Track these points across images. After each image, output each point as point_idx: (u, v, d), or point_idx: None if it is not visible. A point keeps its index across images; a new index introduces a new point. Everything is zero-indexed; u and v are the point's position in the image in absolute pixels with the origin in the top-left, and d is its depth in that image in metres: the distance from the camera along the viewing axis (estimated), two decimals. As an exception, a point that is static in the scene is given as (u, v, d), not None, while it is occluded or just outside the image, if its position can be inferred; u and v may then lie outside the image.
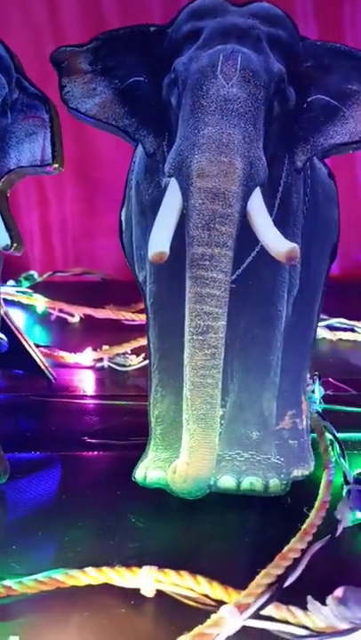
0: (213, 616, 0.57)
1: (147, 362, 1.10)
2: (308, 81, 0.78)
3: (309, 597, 0.58)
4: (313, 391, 0.92)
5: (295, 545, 0.65)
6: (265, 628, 0.58)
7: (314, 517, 0.69)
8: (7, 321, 1.05)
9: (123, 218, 0.81)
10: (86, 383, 1.14)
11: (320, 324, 1.19)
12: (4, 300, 1.47)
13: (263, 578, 0.61)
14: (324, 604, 0.58)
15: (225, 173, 0.76)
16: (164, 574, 0.62)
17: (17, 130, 0.84)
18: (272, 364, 0.78)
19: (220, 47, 0.77)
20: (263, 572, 0.62)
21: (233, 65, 0.77)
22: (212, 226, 0.76)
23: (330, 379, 1.04)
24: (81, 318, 1.40)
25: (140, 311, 1.38)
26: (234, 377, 0.78)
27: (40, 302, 1.41)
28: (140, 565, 0.64)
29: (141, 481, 0.78)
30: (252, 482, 0.77)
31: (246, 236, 0.77)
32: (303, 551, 0.65)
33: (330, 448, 0.82)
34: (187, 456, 0.76)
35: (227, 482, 0.77)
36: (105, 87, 0.80)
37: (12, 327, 1.05)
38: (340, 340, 1.33)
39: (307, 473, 0.77)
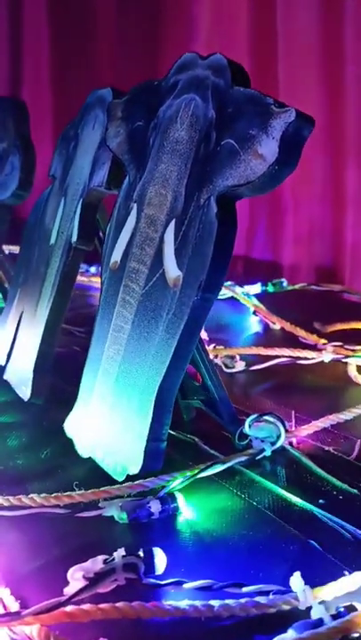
0: None
1: (248, 368, 1.26)
2: (226, 126, 0.83)
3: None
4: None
5: (38, 499, 0.82)
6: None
7: (79, 494, 0.82)
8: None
9: (107, 231, 1.02)
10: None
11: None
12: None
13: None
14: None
15: (160, 204, 0.91)
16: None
17: (100, 159, 1.13)
18: (143, 374, 0.88)
19: (185, 96, 0.91)
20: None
21: (187, 111, 0.90)
22: (144, 246, 0.93)
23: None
24: (282, 328, 1.52)
25: (324, 336, 1.42)
26: (121, 373, 0.92)
27: (250, 304, 1.59)
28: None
29: (65, 429, 1.01)
30: (109, 461, 0.91)
31: (158, 258, 0.90)
32: (43, 506, 0.81)
33: (193, 471, 0.87)
34: (87, 424, 0.96)
35: (98, 453, 0.93)
36: (123, 130, 1.01)
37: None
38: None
39: (135, 472, 0.86)
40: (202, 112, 0.87)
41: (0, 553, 0.72)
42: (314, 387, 1.26)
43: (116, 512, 0.80)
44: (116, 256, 0.97)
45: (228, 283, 1.71)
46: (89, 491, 0.83)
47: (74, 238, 1.14)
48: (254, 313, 1.59)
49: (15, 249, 1.92)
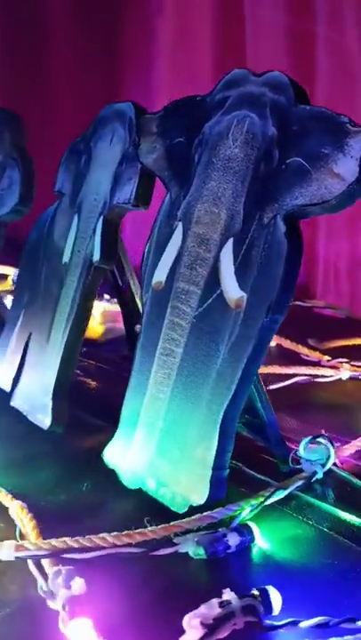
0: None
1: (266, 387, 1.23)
2: (291, 144, 0.82)
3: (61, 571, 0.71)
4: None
5: (109, 538, 0.76)
6: (32, 573, 0.74)
7: (151, 530, 0.77)
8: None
9: (146, 249, 0.98)
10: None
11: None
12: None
13: (58, 542, 0.75)
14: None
15: (212, 222, 0.88)
16: (21, 510, 0.83)
17: (124, 175, 1.09)
18: (203, 398, 0.85)
19: (236, 113, 0.89)
20: (63, 539, 0.76)
21: (241, 128, 0.87)
22: (194, 266, 0.89)
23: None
24: (278, 345, 1.52)
25: (324, 352, 1.43)
26: (175, 399, 0.88)
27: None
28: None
29: (105, 459, 0.95)
30: (165, 492, 0.87)
31: (213, 278, 0.87)
32: (116, 545, 0.76)
33: (258, 499, 0.84)
34: (134, 454, 0.91)
35: (150, 484, 0.89)
36: (160, 145, 0.98)
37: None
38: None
39: (200, 502, 0.82)
40: (260, 129, 0.85)
41: (87, 601, 0.66)
42: (331, 404, 1.26)
43: (192, 547, 0.76)
44: (160, 276, 0.93)
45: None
46: (159, 526, 0.79)
47: (95, 257, 1.09)
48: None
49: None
